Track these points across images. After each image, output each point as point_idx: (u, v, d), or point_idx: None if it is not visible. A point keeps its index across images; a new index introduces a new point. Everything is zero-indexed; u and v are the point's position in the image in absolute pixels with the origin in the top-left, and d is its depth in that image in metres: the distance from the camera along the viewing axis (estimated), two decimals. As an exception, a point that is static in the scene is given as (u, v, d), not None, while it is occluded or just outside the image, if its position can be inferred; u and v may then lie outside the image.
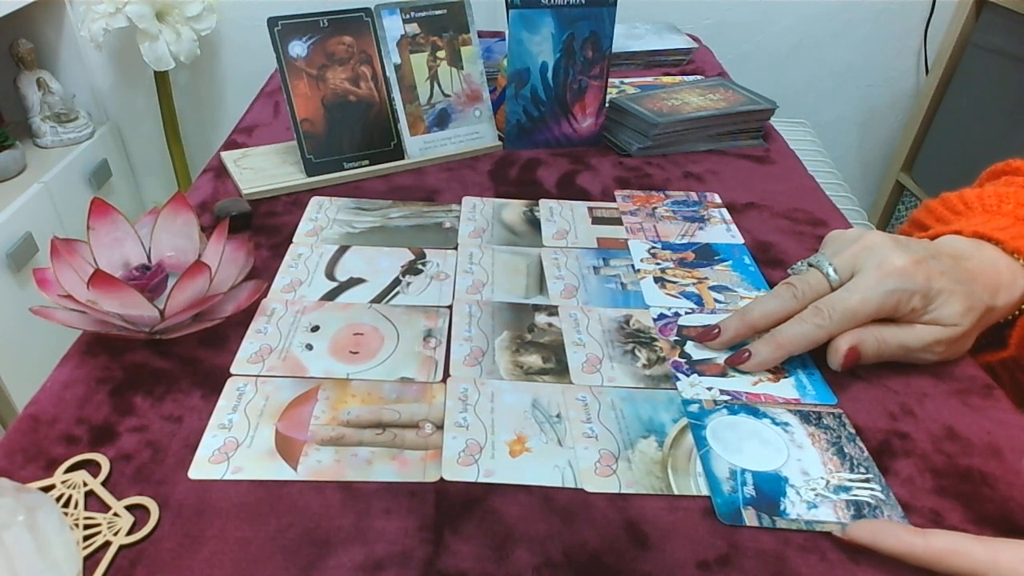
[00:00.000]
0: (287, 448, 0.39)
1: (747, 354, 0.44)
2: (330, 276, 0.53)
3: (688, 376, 0.44)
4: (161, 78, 1.42)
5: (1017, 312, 0.46)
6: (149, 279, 0.46)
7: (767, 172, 0.71)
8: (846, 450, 0.39)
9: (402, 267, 0.54)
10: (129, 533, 0.34)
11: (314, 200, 0.63)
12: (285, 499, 0.36)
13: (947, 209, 0.53)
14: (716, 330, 0.46)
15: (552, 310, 0.50)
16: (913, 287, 0.41)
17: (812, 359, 0.45)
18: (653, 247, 0.57)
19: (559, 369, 0.44)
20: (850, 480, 0.38)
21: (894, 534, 0.33)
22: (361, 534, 0.34)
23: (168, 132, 1.50)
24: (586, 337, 0.47)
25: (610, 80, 0.79)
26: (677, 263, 0.55)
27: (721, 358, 0.45)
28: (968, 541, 0.31)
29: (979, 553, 0.31)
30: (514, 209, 0.62)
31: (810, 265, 0.45)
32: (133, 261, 0.48)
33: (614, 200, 0.64)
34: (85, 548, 0.33)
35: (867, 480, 0.38)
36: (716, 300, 0.51)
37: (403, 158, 0.68)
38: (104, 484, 0.36)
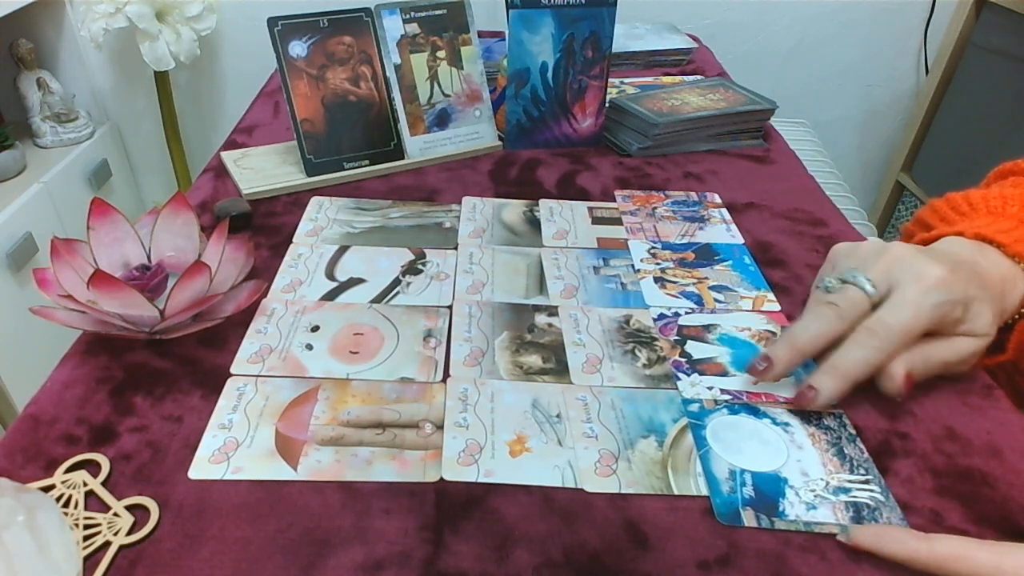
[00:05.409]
0: (287, 448, 0.39)
1: (812, 392, 0.40)
2: (330, 276, 0.53)
3: (688, 376, 0.44)
4: (161, 78, 1.42)
5: (1016, 316, 0.46)
6: (149, 279, 0.46)
7: (767, 172, 0.71)
8: (846, 451, 0.39)
9: (402, 267, 0.54)
10: (129, 533, 0.34)
11: (314, 200, 0.63)
12: (285, 499, 0.36)
13: (951, 209, 0.53)
14: (766, 362, 0.42)
15: (552, 310, 0.50)
16: (955, 297, 0.40)
17: (812, 358, 0.45)
18: (653, 247, 0.57)
19: (559, 369, 0.44)
20: (849, 481, 0.38)
21: (898, 539, 0.32)
22: (361, 534, 0.34)
23: (168, 132, 1.50)
24: (586, 337, 0.47)
25: (610, 80, 0.78)
26: (677, 263, 0.55)
27: (722, 358, 0.45)
28: (972, 546, 0.31)
29: (983, 558, 0.30)
30: (514, 209, 0.62)
31: (843, 281, 0.43)
32: (133, 261, 0.48)
33: (614, 200, 0.64)
34: (85, 548, 0.33)
35: (866, 482, 0.38)
36: (716, 300, 0.51)
37: (403, 158, 0.68)
38: (104, 484, 0.36)
